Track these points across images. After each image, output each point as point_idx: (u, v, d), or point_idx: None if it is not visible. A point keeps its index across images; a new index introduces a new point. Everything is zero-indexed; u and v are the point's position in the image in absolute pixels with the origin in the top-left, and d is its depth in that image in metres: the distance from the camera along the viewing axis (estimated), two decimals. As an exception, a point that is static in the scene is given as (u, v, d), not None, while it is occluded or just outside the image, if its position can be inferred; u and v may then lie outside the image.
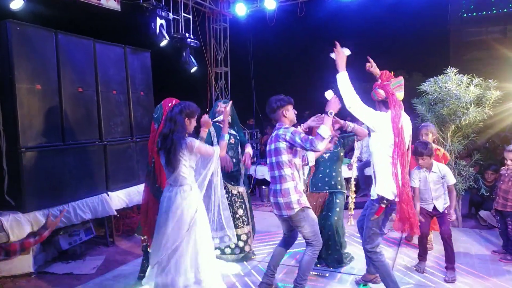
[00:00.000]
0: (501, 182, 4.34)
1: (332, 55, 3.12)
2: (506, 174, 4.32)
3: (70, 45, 4.67)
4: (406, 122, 3.15)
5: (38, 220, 4.06)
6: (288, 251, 3.67)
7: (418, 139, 4.60)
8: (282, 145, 3.19)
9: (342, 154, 4.12)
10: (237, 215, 4.20)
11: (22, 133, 4.04)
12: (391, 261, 4.21)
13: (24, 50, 4.11)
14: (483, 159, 5.80)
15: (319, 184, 4.09)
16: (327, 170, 4.06)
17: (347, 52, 3.12)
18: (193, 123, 3.11)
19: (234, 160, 4.18)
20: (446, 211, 3.89)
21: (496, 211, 4.42)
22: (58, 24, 4.64)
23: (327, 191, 4.06)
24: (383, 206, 3.06)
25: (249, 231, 4.28)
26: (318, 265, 4.06)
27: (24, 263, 4.04)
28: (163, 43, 6.19)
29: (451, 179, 3.88)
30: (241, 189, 4.27)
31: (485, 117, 5.05)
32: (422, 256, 4.03)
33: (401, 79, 3.17)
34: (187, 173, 3.03)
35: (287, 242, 3.55)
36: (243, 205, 4.24)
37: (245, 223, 4.23)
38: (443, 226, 3.84)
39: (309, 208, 3.28)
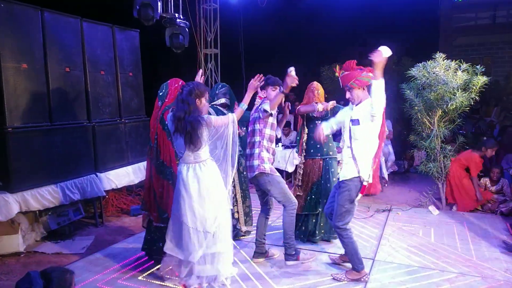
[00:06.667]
0: None
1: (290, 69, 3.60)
2: None
3: (57, 23, 4.58)
4: None
5: (26, 200, 4.05)
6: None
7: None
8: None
9: None
10: (232, 194, 4.35)
11: (8, 112, 4.00)
12: (376, 241, 4.33)
13: (9, 28, 4.02)
14: (467, 143, 5.92)
15: (311, 151, 4.25)
16: None
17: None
18: (203, 102, 3.15)
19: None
20: None
21: None
22: (44, 1, 4.54)
23: (320, 158, 4.21)
24: (365, 184, 3.29)
25: (239, 212, 4.41)
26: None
27: (13, 243, 4.06)
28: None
29: None
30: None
31: (471, 103, 5.13)
32: None
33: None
34: (205, 148, 3.16)
35: (264, 210, 3.86)
36: (234, 187, 4.38)
37: (238, 202, 4.39)
38: None
39: (274, 174, 3.60)
